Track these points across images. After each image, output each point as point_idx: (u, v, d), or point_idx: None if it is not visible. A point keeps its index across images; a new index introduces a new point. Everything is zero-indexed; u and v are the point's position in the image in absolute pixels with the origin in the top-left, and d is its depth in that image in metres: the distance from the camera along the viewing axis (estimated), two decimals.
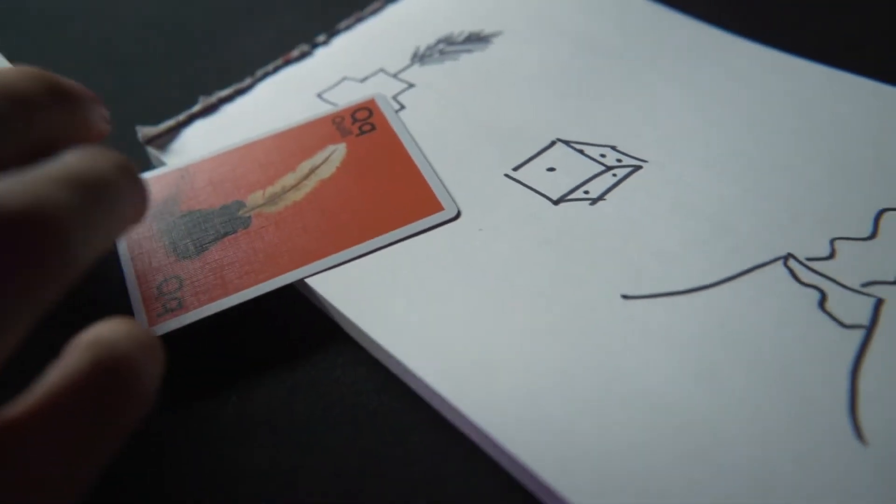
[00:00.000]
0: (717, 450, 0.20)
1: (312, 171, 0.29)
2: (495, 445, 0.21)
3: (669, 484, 0.19)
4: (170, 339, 0.24)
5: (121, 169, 0.17)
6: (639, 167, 0.28)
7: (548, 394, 0.21)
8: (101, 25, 0.41)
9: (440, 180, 0.29)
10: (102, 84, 0.37)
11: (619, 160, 0.29)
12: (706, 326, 0.23)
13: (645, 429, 0.20)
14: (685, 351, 0.22)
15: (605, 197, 0.28)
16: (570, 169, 0.29)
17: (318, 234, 0.27)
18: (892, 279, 0.23)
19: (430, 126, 0.31)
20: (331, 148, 0.30)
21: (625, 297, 0.24)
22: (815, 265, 0.24)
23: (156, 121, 0.32)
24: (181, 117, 0.32)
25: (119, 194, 0.17)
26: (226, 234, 0.27)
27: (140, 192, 0.18)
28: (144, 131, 0.31)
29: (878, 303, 0.23)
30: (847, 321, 0.22)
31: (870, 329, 0.22)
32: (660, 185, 0.28)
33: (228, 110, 0.33)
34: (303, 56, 0.35)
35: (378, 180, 0.29)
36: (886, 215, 0.25)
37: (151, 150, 0.31)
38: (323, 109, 0.32)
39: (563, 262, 0.25)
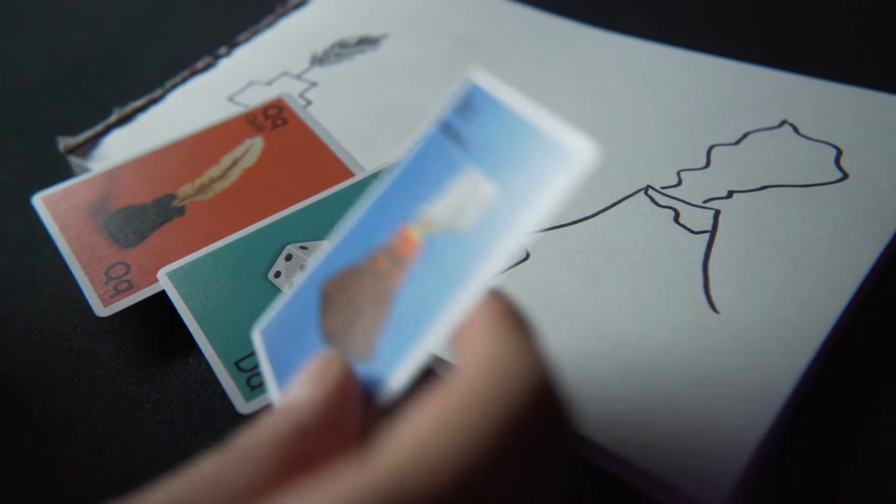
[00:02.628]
0: (609, 329, 0.25)
1: (235, 162, 0.32)
2: None
3: (574, 358, 0.24)
4: (128, 314, 0.26)
5: None
6: None
7: None
8: (9, 50, 0.42)
9: (351, 155, 0.32)
10: (19, 104, 0.38)
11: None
12: (591, 246, 0.28)
13: (551, 330, 0.25)
14: (578, 267, 0.27)
15: None
16: None
17: (248, 213, 0.30)
18: (724, 195, 0.30)
19: (337, 116, 0.35)
20: (249, 141, 0.33)
21: None
22: (668, 191, 0.30)
23: (74, 134, 0.34)
24: (98, 127, 0.34)
25: None
26: (163, 223, 0.30)
27: None
28: (64, 142, 0.33)
29: (717, 213, 0.29)
30: (696, 229, 0.28)
31: (713, 232, 0.28)
32: None
33: (144, 119, 0.35)
34: (207, 67, 0.38)
35: (296, 162, 0.32)
36: (715, 150, 0.32)
37: (73, 160, 0.33)
38: (235, 111, 0.35)
39: None
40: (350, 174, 0.32)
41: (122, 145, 0.33)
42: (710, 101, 0.34)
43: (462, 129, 0.22)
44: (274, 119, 0.35)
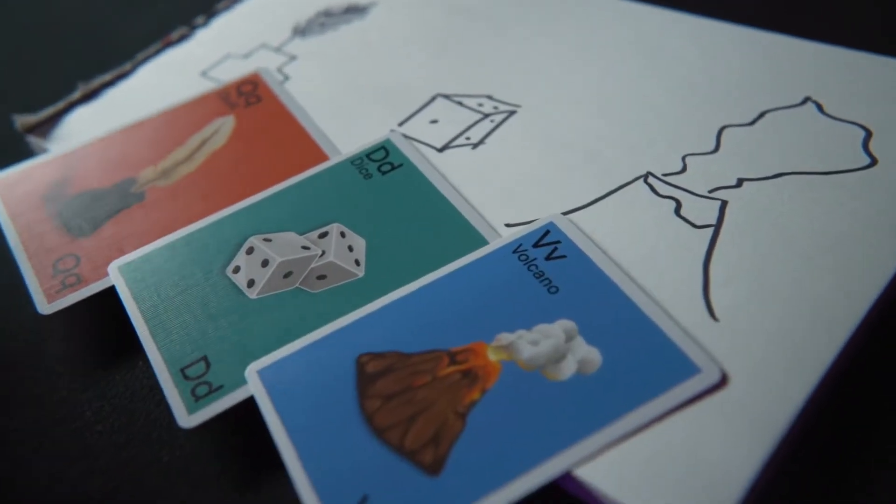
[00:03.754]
0: None
1: (203, 143, 0.30)
2: None
3: None
4: (77, 310, 0.24)
5: None
6: (513, 112, 0.31)
7: None
8: None
9: (327, 138, 0.30)
10: None
11: (495, 107, 0.31)
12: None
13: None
14: None
15: (486, 140, 0.30)
16: (451, 119, 0.31)
17: (212, 200, 0.28)
18: (733, 183, 0.26)
19: (317, 93, 0.32)
20: (219, 121, 0.31)
21: (508, 225, 0.26)
22: (671, 179, 0.27)
23: (37, 111, 0.32)
24: (60, 105, 0.32)
25: None
26: (120, 210, 0.28)
27: None
28: (22, 120, 0.31)
29: (723, 205, 0.26)
30: (698, 223, 0.25)
31: (717, 227, 0.25)
32: (533, 125, 0.30)
33: (111, 95, 0.33)
34: (182, 38, 0.36)
35: (268, 145, 0.30)
36: (726, 131, 0.28)
37: (33, 139, 0.31)
38: (208, 87, 0.33)
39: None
40: (324, 158, 0.29)
41: (86, 124, 0.31)
42: (723, 75, 0.31)
43: (543, 267, 0.24)
44: (247, 96, 0.32)
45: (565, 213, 0.26)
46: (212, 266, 0.25)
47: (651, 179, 0.27)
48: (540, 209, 0.26)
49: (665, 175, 0.27)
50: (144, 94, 0.33)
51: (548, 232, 0.25)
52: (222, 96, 0.32)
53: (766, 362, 0.21)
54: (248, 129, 0.31)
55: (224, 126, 0.31)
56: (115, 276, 0.25)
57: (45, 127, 0.31)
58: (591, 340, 0.22)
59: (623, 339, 0.22)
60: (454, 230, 0.26)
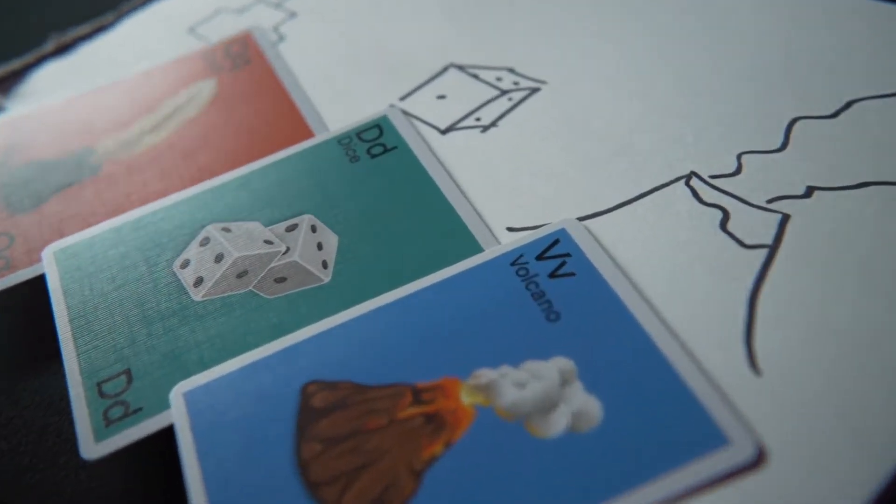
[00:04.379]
0: None
1: (176, 110, 0.26)
2: None
3: None
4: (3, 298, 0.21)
5: None
6: (536, 89, 0.26)
7: None
8: None
9: (316, 110, 0.26)
10: None
11: (515, 83, 0.26)
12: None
13: None
14: None
15: (498, 123, 0.25)
16: (462, 95, 0.26)
17: (175, 178, 0.24)
18: (801, 192, 0.21)
19: (314, 57, 0.28)
20: (199, 85, 0.27)
21: (510, 229, 0.22)
22: (720, 182, 0.22)
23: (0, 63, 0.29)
24: (29, 58, 0.28)
25: None
26: (70, 184, 0.24)
27: None
28: None
29: (784, 219, 0.20)
30: (749, 241, 0.20)
31: (773, 248, 0.20)
32: (558, 106, 0.25)
33: (87, 50, 0.29)
34: None
35: (249, 116, 0.26)
36: (798, 124, 0.23)
37: None
38: (195, 46, 0.29)
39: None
40: (309, 134, 0.25)
41: (54, 81, 0.28)
42: (803, 52, 0.25)
43: (545, 286, 0.19)
44: (235, 58, 0.28)
45: (582, 219, 0.21)
46: (159, 258, 0.22)
47: (694, 181, 0.22)
48: (552, 212, 0.22)
49: (713, 177, 0.22)
50: (124, 52, 0.29)
51: (557, 241, 0.20)
52: (207, 57, 0.28)
53: (820, 437, 0.16)
54: (229, 96, 0.27)
55: (202, 92, 0.27)
56: (48, 262, 0.22)
57: (8, 83, 0.28)
58: (591, 387, 0.17)
59: (632, 389, 0.17)
60: (445, 233, 0.21)
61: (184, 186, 0.24)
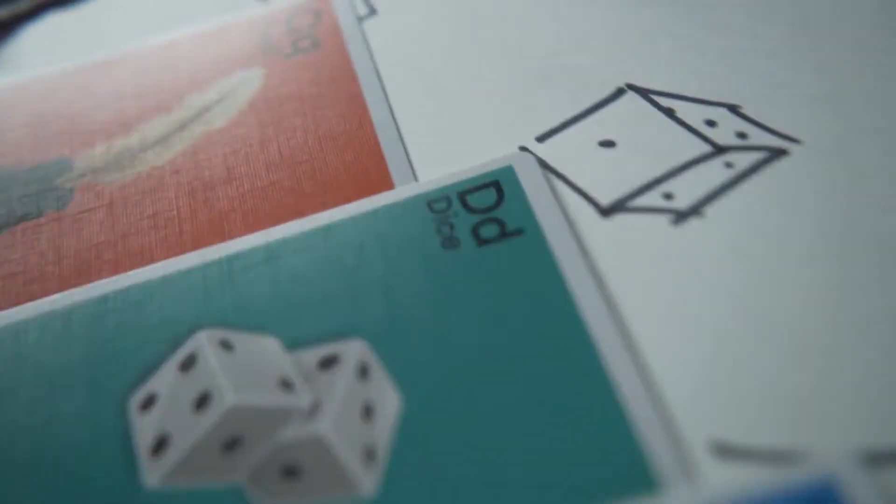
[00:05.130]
0: None
1: (197, 115, 0.17)
2: None
3: None
4: None
5: None
6: (782, 152, 0.15)
7: None
8: None
9: (402, 141, 0.16)
10: None
11: (742, 134, 0.16)
12: None
13: None
14: None
15: (704, 210, 0.14)
16: (644, 144, 0.16)
17: (173, 229, 0.15)
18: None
19: (412, 48, 0.18)
20: (237, 77, 0.18)
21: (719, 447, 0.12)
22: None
23: None
24: (23, 5, 0.20)
25: None
26: (23, 218, 0.16)
27: None
28: None
29: None
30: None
31: None
32: (818, 189, 0.14)
33: (97, 3, 0.21)
34: None
35: (300, 137, 0.17)
36: None
37: None
38: (248, 10, 0.20)
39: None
40: (387, 184, 0.15)
41: (49, 41, 0.20)
42: None
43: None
44: (298, 37, 0.19)
45: None
46: (112, 381, 0.13)
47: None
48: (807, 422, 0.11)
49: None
50: (149, 9, 0.20)
51: None
52: (258, 30, 0.19)
53: None
54: (277, 98, 0.17)
55: (240, 88, 0.18)
56: None
57: None
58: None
59: None
60: (604, 433, 0.12)
61: (183, 247, 0.15)
